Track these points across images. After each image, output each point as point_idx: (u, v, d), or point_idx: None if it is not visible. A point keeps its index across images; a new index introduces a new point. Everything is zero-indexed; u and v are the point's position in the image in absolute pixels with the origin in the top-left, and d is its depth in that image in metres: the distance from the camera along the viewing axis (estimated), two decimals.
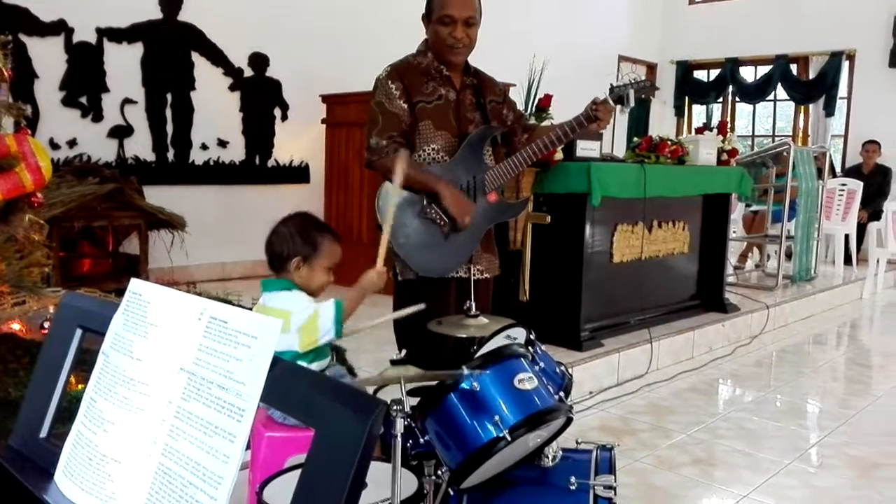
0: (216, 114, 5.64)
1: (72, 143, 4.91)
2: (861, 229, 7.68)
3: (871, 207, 7.87)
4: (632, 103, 2.57)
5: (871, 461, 2.97)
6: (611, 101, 2.57)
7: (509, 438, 1.58)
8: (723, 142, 5.01)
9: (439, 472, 1.72)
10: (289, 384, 0.77)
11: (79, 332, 1.03)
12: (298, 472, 0.75)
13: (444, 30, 2.49)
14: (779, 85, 9.40)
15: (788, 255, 6.32)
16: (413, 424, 1.73)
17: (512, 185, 3.70)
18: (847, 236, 7.36)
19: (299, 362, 1.85)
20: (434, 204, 2.49)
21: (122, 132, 5.17)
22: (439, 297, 2.49)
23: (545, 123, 3.88)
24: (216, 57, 5.60)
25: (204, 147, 5.60)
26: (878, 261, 6.87)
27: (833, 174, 8.11)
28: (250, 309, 1.99)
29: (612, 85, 2.64)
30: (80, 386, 1.07)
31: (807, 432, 3.37)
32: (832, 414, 3.59)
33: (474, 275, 2.32)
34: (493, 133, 2.64)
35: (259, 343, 0.79)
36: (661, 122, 10.08)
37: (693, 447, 3.05)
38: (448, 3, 2.49)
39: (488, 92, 2.71)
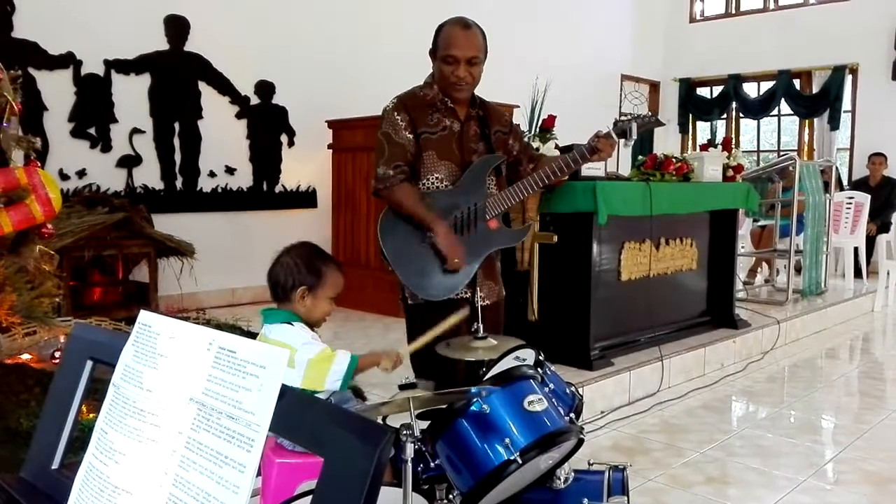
0: (223, 141, 5.69)
1: (81, 174, 4.96)
2: (870, 242, 7.65)
3: (880, 220, 7.84)
4: (634, 137, 2.61)
5: (887, 476, 2.93)
6: (614, 135, 2.61)
7: (520, 461, 1.58)
8: (728, 158, 5.02)
9: (451, 497, 1.72)
10: (297, 414, 0.78)
11: (89, 363, 1.04)
12: (309, 498, 0.75)
13: (448, 68, 2.54)
14: (782, 100, 9.42)
15: (798, 270, 6.29)
16: (424, 448, 1.72)
17: (518, 207, 3.71)
18: (856, 249, 7.33)
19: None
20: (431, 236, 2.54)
21: (130, 162, 5.23)
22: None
23: (549, 143, 3.90)
24: (223, 85, 5.67)
25: (212, 174, 5.65)
26: (888, 273, 6.83)
27: (840, 187, 8.10)
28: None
29: (616, 119, 2.68)
30: (91, 415, 1.08)
31: (821, 448, 3.34)
32: (847, 429, 3.56)
33: (476, 301, 2.34)
34: (495, 162, 2.67)
35: (267, 373, 0.80)
36: (666, 140, 10.10)
37: (707, 465, 3.03)
38: (451, 43, 2.53)
39: (494, 122, 2.75)
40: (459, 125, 2.64)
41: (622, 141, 2.63)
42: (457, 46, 2.52)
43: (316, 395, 1.88)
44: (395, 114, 2.59)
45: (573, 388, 1.96)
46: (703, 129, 10.47)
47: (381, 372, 1.99)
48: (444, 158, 2.60)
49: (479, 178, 2.61)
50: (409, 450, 1.42)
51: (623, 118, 2.66)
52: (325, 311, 1.99)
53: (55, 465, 1.02)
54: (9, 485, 1.01)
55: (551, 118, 4.04)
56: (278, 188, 6.06)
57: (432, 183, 2.60)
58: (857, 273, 7.26)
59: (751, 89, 9.84)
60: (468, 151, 2.65)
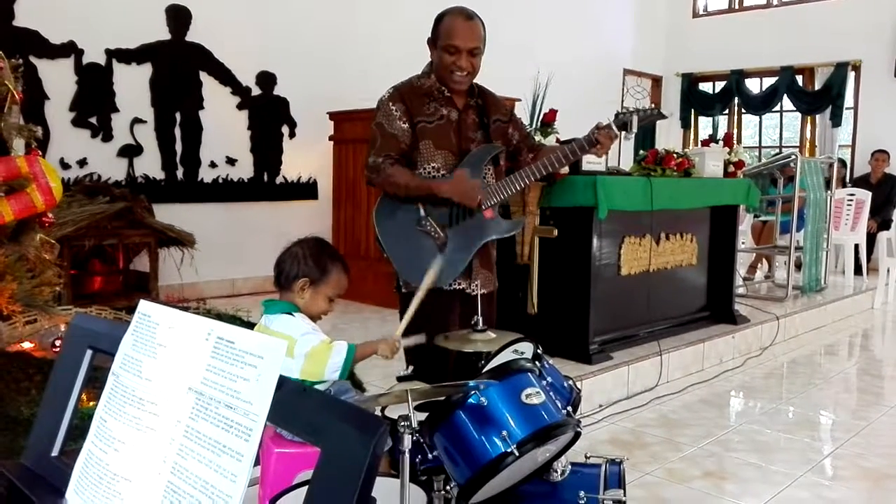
0: (225, 132, 5.69)
1: (82, 163, 4.96)
2: (871, 239, 7.65)
3: (880, 217, 7.84)
4: (635, 129, 2.59)
5: (884, 472, 2.94)
6: (614, 127, 2.60)
7: (517, 453, 1.59)
8: (729, 153, 5.02)
9: (448, 488, 1.73)
10: (294, 404, 0.78)
11: (89, 352, 1.04)
12: (306, 487, 0.76)
13: (449, 58, 2.54)
14: (784, 96, 9.41)
15: (798, 266, 6.29)
16: (422, 440, 1.73)
17: (518, 200, 3.72)
18: (857, 246, 7.33)
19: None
20: (430, 217, 2.53)
21: (131, 151, 5.23)
22: (442, 310, 2.51)
23: (550, 138, 3.90)
24: (224, 76, 5.66)
25: (213, 165, 5.65)
26: (888, 270, 6.83)
27: (843, 184, 8.10)
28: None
29: (617, 111, 2.68)
30: (91, 403, 1.08)
31: (819, 444, 3.35)
32: (844, 425, 3.57)
33: (473, 290, 2.35)
34: (493, 152, 2.66)
35: (265, 363, 0.80)
36: (668, 135, 10.09)
37: (704, 460, 3.04)
38: (453, 33, 2.53)
39: (493, 111, 2.74)
40: (457, 114, 2.64)
41: (623, 133, 2.62)
42: (459, 37, 2.52)
43: (315, 385, 1.88)
44: (391, 104, 2.59)
45: (571, 382, 1.97)
46: (704, 125, 10.45)
47: (380, 359, 2.00)
48: (441, 147, 2.59)
49: (475, 167, 2.61)
50: (407, 441, 1.43)
51: (624, 111, 2.65)
52: (323, 309, 1.98)
53: (55, 453, 1.03)
54: (9, 471, 1.02)
55: (552, 112, 4.04)
56: (279, 179, 6.06)
57: (429, 172, 2.60)
58: (858, 270, 7.26)
59: (753, 85, 9.82)
60: (466, 140, 2.64)
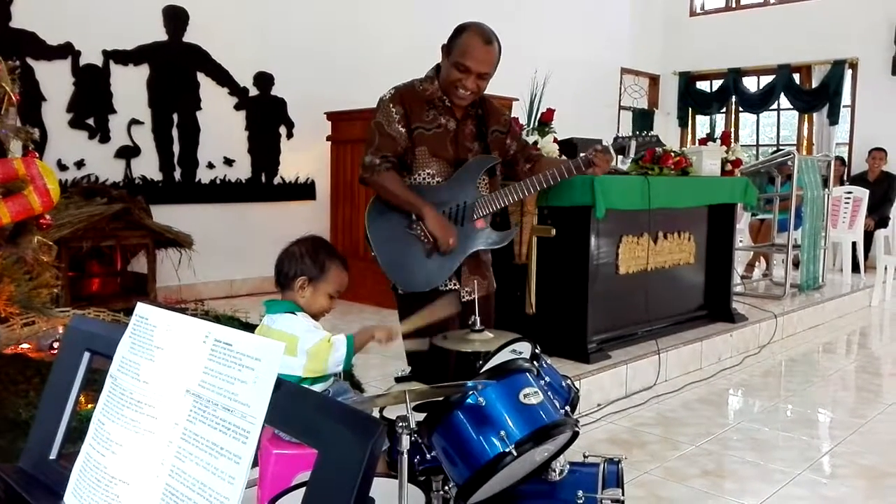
0: (222, 133, 5.69)
1: (79, 164, 4.96)
2: (868, 237, 7.66)
3: (878, 214, 7.85)
4: (633, 154, 2.62)
5: (882, 470, 2.95)
6: (612, 151, 2.61)
7: (515, 453, 1.59)
8: (726, 152, 5.02)
9: (447, 488, 1.73)
10: (292, 406, 0.79)
11: (87, 355, 1.04)
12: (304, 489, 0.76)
13: (457, 74, 2.52)
14: (782, 94, 9.42)
15: (796, 264, 6.30)
16: (420, 440, 1.73)
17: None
18: (854, 244, 7.34)
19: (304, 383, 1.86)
20: (421, 220, 2.53)
21: (129, 152, 5.22)
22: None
23: (548, 137, 3.90)
24: (221, 77, 5.66)
25: (210, 166, 5.64)
26: (885, 268, 6.84)
27: (840, 182, 8.11)
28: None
29: (616, 136, 2.70)
30: (89, 406, 1.09)
31: (817, 442, 3.35)
32: (843, 423, 3.58)
33: (463, 296, 2.34)
34: (489, 163, 2.66)
35: (263, 365, 0.80)
36: (665, 134, 10.10)
37: (702, 458, 3.04)
38: (469, 53, 2.50)
39: (492, 122, 2.74)
40: (455, 123, 2.64)
41: (620, 157, 2.65)
42: (473, 59, 2.50)
43: (316, 384, 1.89)
44: (391, 105, 2.58)
45: (569, 382, 1.97)
46: (702, 123, 10.46)
47: (380, 348, 2.00)
48: (437, 155, 2.59)
49: (471, 177, 2.61)
50: (405, 441, 1.43)
51: (624, 136, 2.68)
52: (324, 307, 1.99)
53: (53, 456, 1.03)
54: (7, 475, 1.02)
55: (550, 112, 4.04)
56: (277, 180, 6.06)
57: (423, 178, 2.60)
58: (855, 268, 7.27)
59: (750, 83, 9.83)
60: (463, 150, 2.64)
